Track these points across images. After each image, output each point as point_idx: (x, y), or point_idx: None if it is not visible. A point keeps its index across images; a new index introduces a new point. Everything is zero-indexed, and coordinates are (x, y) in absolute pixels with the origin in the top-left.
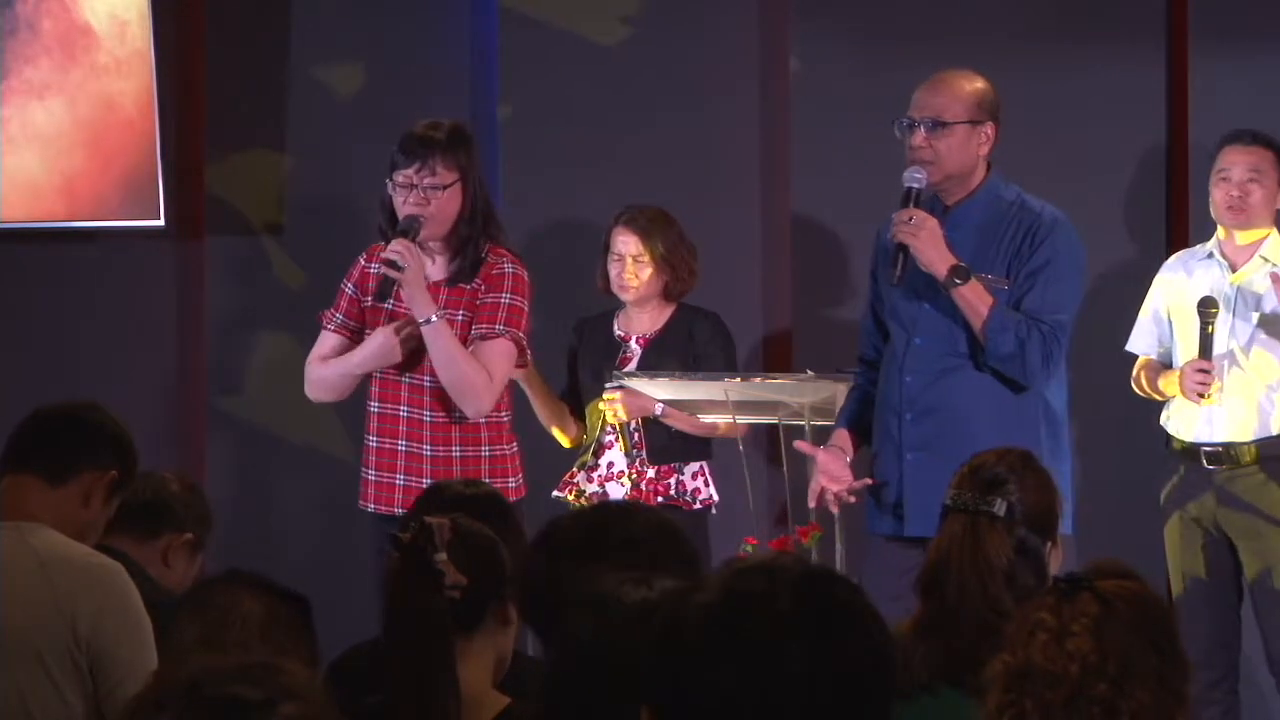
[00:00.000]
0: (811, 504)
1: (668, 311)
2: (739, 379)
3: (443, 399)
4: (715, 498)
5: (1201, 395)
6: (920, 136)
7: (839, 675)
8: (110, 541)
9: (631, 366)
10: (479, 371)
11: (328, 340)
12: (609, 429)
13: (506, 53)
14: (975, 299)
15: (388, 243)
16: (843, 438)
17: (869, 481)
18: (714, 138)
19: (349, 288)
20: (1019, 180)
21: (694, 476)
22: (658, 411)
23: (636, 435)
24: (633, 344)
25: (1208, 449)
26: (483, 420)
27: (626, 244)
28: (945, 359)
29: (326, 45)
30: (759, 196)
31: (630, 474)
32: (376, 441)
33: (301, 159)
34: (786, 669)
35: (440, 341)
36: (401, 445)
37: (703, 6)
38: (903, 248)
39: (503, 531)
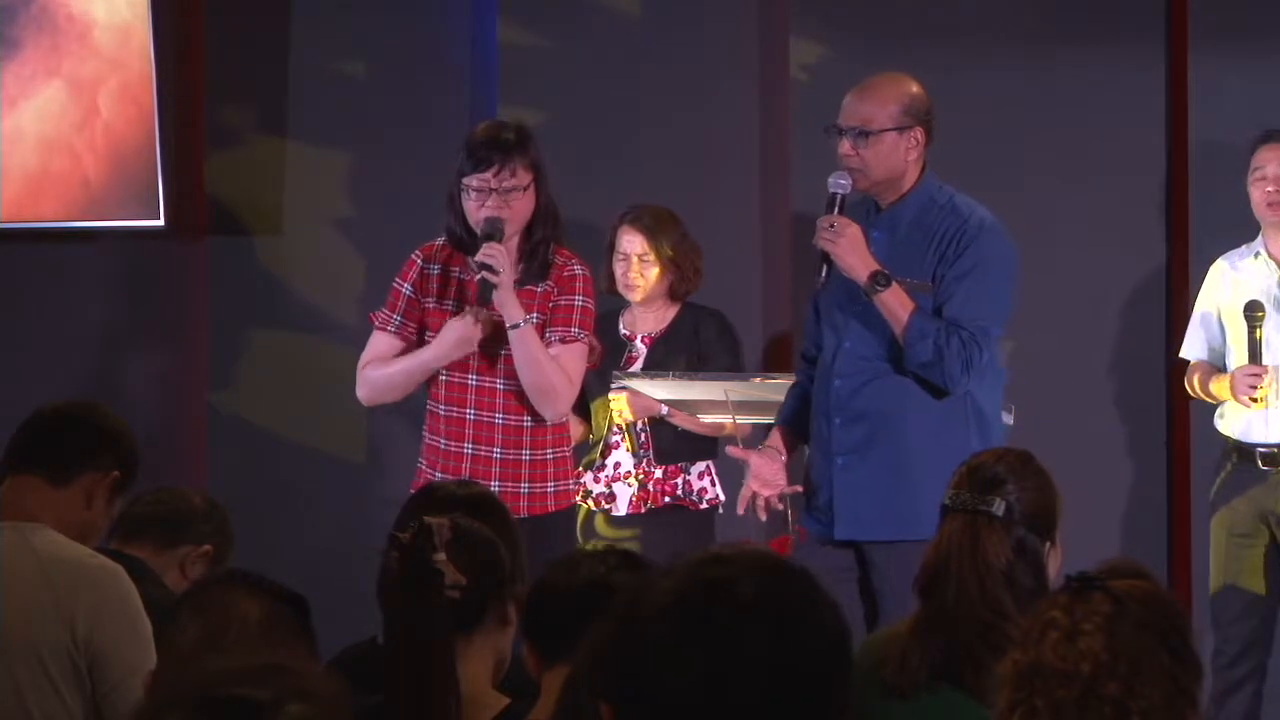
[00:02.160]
0: (740, 510)
1: (673, 310)
2: (739, 379)
3: (516, 402)
4: (722, 497)
5: (1254, 400)
6: (847, 145)
7: (799, 663)
8: (128, 549)
9: (637, 366)
10: (561, 375)
11: (383, 342)
12: (615, 429)
13: (506, 52)
14: (896, 305)
15: (459, 246)
16: (778, 438)
17: (799, 489)
18: (714, 138)
19: (405, 288)
20: (1021, 180)
21: (700, 476)
22: (664, 412)
23: (643, 435)
24: (638, 343)
25: (1263, 450)
26: (548, 423)
27: (632, 243)
28: (875, 363)
29: (327, 45)
30: (759, 196)
31: (637, 474)
32: (445, 444)
33: (302, 158)
34: (747, 656)
35: (527, 346)
36: (468, 448)
37: (703, 6)
38: (826, 254)
39: (499, 531)
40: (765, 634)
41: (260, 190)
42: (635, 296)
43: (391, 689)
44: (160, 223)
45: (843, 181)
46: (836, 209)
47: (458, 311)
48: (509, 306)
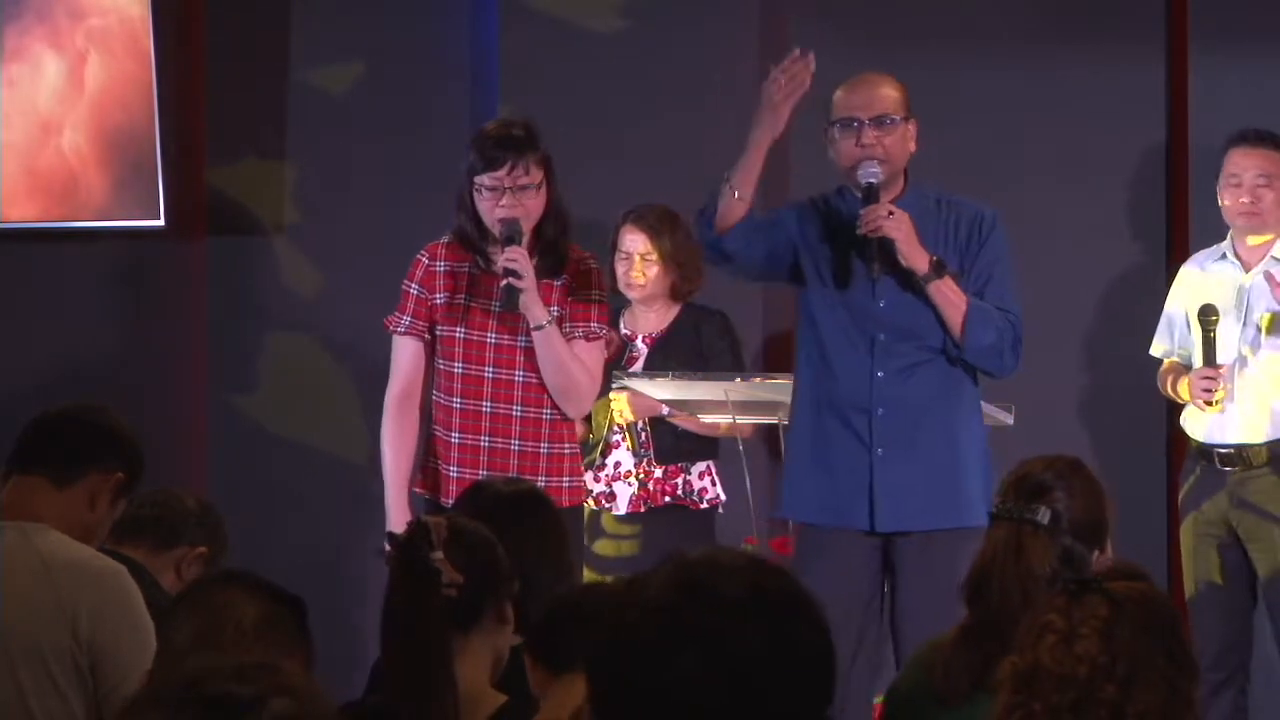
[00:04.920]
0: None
1: (674, 311)
2: (739, 379)
3: (534, 395)
4: (722, 497)
5: (1208, 403)
6: (871, 134)
7: (789, 660)
8: (123, 551)
9: (638, 366)
10: (584, 372)
11: (403, 352)
12: (616, 429)
13: (507, 51)
14: (952, 293)
15: (470, 246)
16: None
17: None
18: (714, 136)
19: (413, 288)
20: (1021, 180)
21: (701, 476)
22: (665, 412)
23: (644, 435)
24: (639, 343)
25: (1221, 450)
26: (567, 419)
27: (635, 242)
28: (914, 354)
29: (327, 44)
30: (759, 197)
31: (638, 474)
32: (459, 438)
33: (302, 158)
34: (735, 656)
35: (552, 346)
36: (484, 441)
37: (703, 7)
38: (880, 241)
39: (542, 529)
40: (752, 633)
41: (260, 190)
42: (636, 295)
43: (390, 688)
44: (160, 223)
45: (874, 169)
46: (875, 199)
47: (467, 307)
48: (534, 308)
